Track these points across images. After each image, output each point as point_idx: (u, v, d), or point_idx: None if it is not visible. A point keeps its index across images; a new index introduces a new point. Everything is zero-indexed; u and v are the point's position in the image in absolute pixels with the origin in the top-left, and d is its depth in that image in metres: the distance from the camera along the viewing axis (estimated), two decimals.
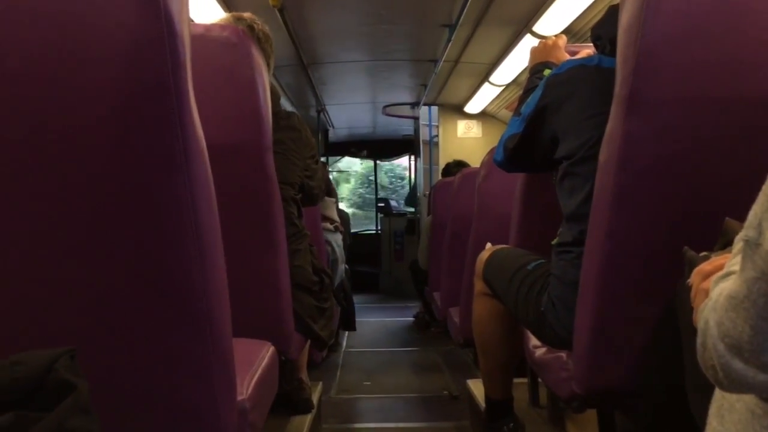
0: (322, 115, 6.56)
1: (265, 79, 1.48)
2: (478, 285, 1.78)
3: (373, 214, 9.32)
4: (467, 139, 6.33)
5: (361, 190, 12.93)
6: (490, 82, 4.96)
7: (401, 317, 5.51)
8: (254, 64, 1.44)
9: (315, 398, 2.22)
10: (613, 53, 1.26)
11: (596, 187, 1.17)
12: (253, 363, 1.17)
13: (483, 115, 6.24)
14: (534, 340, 1.51)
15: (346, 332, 4.40)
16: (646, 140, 1.07)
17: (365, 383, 3.23)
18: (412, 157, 8.45)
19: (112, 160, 0.81)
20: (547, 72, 1.53)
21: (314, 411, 2.15)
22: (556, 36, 1.73)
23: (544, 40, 1.73)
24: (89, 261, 0.84)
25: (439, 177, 5.23)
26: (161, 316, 0.87)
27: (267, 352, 1.26)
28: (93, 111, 0.79)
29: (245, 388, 1.04)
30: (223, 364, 0.92)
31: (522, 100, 1.58)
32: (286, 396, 2.07)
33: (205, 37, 1.42)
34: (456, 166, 4.43)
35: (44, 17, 0.78)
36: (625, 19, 1.08)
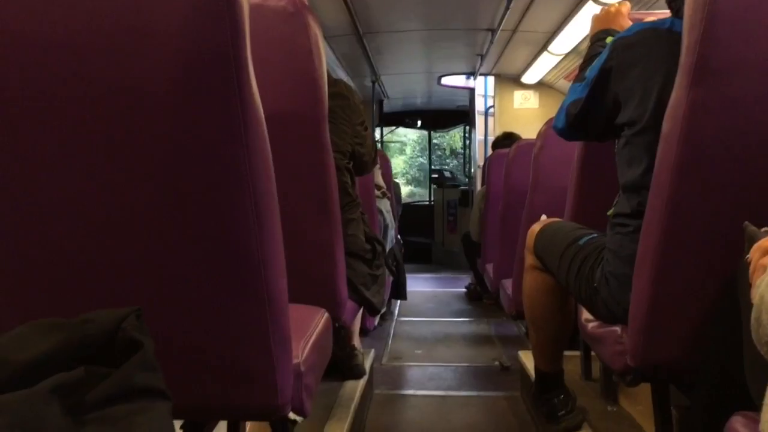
0: (376, 85, 6.54)
1: (321, 49, 1.48)
2: (529, 258, 1.77)
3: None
4: (523, 109, 6.22)
5: (421, 159, 12.70)
6: (549, 52, 4.85)
7: (453, 288, 5.52)
8: (311, 34, 1.45)
9: (367, 365, 2.26)
10: None
11: (658, 158, 1.13)
12: (308, 328, 1.20)
13: (540, 86, 6.12)
14: (587, 314, 1.50)
15: (398, 301, 4.44)
16: (712, 111, 1.04)
17: (416, 352, 3.26)
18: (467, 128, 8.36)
19: (173, 129, 0.84)
20: (609, 39, 1.48)
21: (366, 377, 2.19)
22: (619, 2, 1.67)
23: (606, 7, 1.67)
24: (151, 226, 0.87)
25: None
26: (221, 281, 0.90)
27: (321, 318, 1.29)
28: (155, 81, 0.82)
29: (300, 351, 1.07)
30: (279, 328, 0.94)
31: (582, 68, 1.54)
32: (340, 362, 2.12)
33: (262, 6, 1.43)
34: (505, 139, 4.37)
35: None
36: None
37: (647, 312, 1.14)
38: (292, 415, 1.04)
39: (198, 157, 0.84)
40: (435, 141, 11.26)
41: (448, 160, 11.70)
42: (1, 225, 0.88)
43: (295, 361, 1.03)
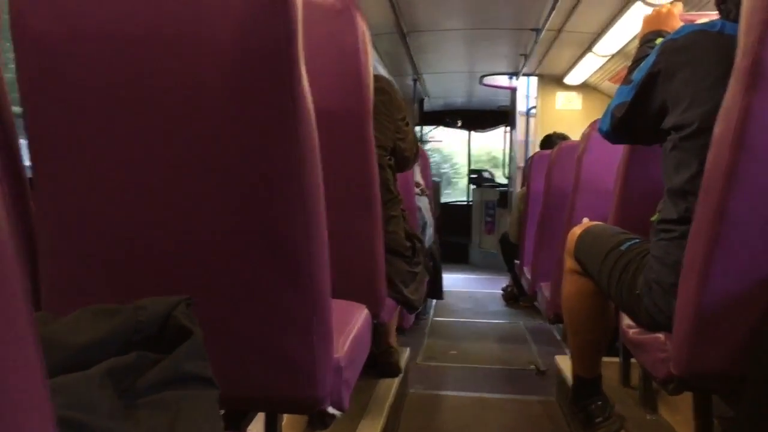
0: (417, 83, 6.54)
1: (368, 47, 1.49)
2: (569, 262, 1.75)
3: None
4: (566, 111, 6.14)
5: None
6: (594, 53, 4.78)
7: (489, 289, 5.49)
8: (358, 31, 1.46)
9: (402, 363, 2.26)
10: (738, 19, 1.18)
11: (708, 163, 1.11)
12: (349, 323, 1.21)
13: (584, 87, 6.03)
14: (628, 320, 1.47)
15: (434, 301, 4.43)
16: (765, 115, 1.01)
17: (451, 352, 3.25)
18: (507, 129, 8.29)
19: (227, 123, 0.85)
20: (659, 41, 1.46)
21: (401, 375, 2.19)
22: (671, 3, 1.64)
23: (657, 8, 1.64)
24: (204, 218, 0.89)
25: (536, 149, 5.11)
26: (268, 273, 0.91)
27: (362, 315, 1.30)
28: (210, 76, 0.84)
29: (341, 346, 1.08)
30: (322, 322, 0.95)
31: (631, 70, 1.51)
32: (376, 359, 2.12)
33: (310, 3, 1.45)
34: (558, 138, 4.31)
35: None
36: None
37: (693, 320, 1.12)
38: (330, 410, 1.04)
39: (250, 150, 0.86)
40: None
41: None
42: (64, 212, 0.92)
43: (335, 355, 1.04)
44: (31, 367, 0.34)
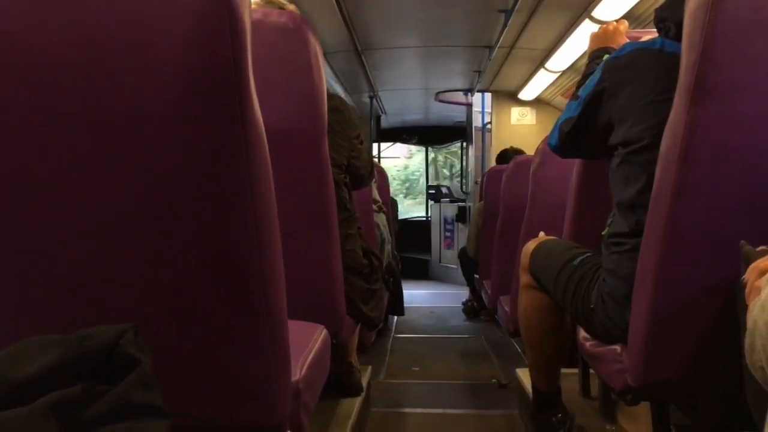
0: (374, 101, 6.57)
1: (321, 65, 1.49)
2: (524, 277, 1.76)
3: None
4: (521, 126, 6.25)
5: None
6: (546, 69, 4.89)
7: (450, 304, 5.51)
8: (311, 50, 1.46)
9: (364, 382, 2.24)
10: (678, 37, 1.22)
11: (657, 177, 1.14)
12: (306, 345, 1.19)
13: (537, 102, 6.16)
14: (585, 332, 1.49)
15: (395, 317, 4.42)
16: (711, 129, 1.04)
17: (414, 369, 3.24)
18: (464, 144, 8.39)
19: (173, 143, 0.83)
20: (606, 57, 1.49)
21: (363, 394, 2.17)
22: (617, 21, 1.69)
23: (604, 25, 1.68)
24: (150, 241, 0.87)
25: (492, 164, 5.18)
26: (219, 297, 0.89)
27: (320, 335, 1.28)
28: (156, 94, 0.82)
29: (299, 369, 1.06)
30: (278, 345, 0.93)
31: (580, 85, 1.54)
32: (336, 379, 2.10)
33: (262, 22, 1.44)
34: (513, 153, 4.38)
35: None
36: (692, 3, 1.05)
37: (647, 331, 1.14)
38: None
39: (199, 171, 0.84)
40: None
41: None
42: (3, 239, 0.88)
43: (293, 378, 1.02)
44: None
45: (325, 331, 1.33)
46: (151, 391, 0.62)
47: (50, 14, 0.81)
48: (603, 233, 1.39)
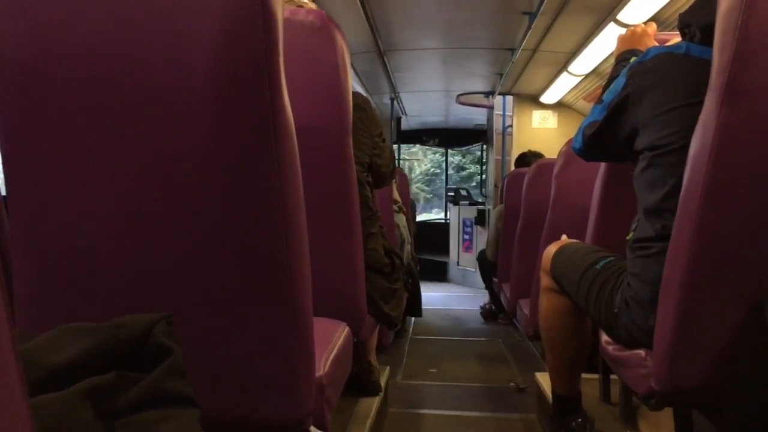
0: (395, 102, 6.57)
1: (347, 64, 1.49)
2: (545, 280, 1.75)
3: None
4: (542, 129, 6.22)
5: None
6: (569, 72, 4.85)
7: (467, 307, 5.49)
8: (337, 48, 1.46)
9: (382, 382, 2.24)
10: (703, 42, 1.21)
11: (686, 180, 1.12)
12: (330, 341, 1.19)
13: (559, 106, 6.12)
14: (607, 336, 1.48)
15: (413, 319, 4.41)
16: (743, 131, 1.03)
17: (431, 370, 3.23)
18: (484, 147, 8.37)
19: (205, 137, 0.84)
20: (633, 60, 1.48)
21: (381, 394, 2.17)
22: (645, 23, 1.67)
23: (632, 28, 1.67)
24: (182, 235, 0.88)
25: (512, 167, 5.16)
26: (249, 291, 0.89)
27: (343, 332, 1.29)
28: (189, 88, 0.82)
29: (323, 365, 1.07)
30: (303, 341, 0.94)
31: (605, 88, 1.53)
32: (356, 377, 2.10)
33: (290, 21, 1.45)
34: (532, 157, 4.36)
35: None
36: (724, 5, 1.04)
37: (673, 335, 1.13)
38: (312, 429, 1.03)
39: (230, 165, 0.85)
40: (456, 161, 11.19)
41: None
42: (39, 227, 0.89)
43: (317, 374, 1.02)
44: (12, 388, 0.32)
45: (347, 329, 1.34)
46: (184, 380, 0.63)
47: (86, 8, 0.82)
48: (627, 238, 1.38)
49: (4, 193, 0.93)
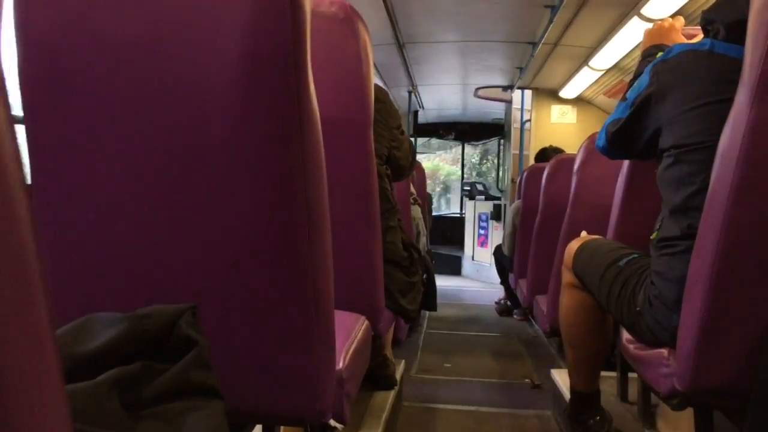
0: (413, 95, 6.55)
1: (370, 55, 1.48)
2: (567, 276, 1.74)
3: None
4: (560, 124, 6.17)
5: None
6: (590, 67, 4.80)
7: (482, 302, 5.48)
8: (360, 40, 1.45)
9: (398, 376, 2.24)
10: (727, 39, 1.19)
11: (714, 178, 1.11)
12: (350, 335, 1.19)
13: (579, 101, 6.06)
14: (628, 334, 1.46)
15: (427, 313, 4.41)
16: None
17: (446, 365, 3.23)
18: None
19: (232, 130, 0.84)
20: (659, 56, 1.46)
21: (397, 388, 2.17)
22: (672, 17, 1.64)
23: (659, 22, 1.64)
24: (206, 227, 0.87)
25: (530, 162, 5.12)
26: (271, 282, 0.89)
27: (362, 326, 1.28)
28: (216, 79, 0.82)
29: (343, 358, 1.06)
30: (325, 334, 0.94)
31: (631, 84, 1.51)
32: (371, 371, 2.10)
33: (313, 12, 1.43)
34: (553, 152, 4.32)
35: None
36: (758, 1, 1.02)
37: (698, 335, 1.11)
38: (332, 422, 1.03)
39: (255, 158, 0.84)
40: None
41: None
42: (64, 218, 0.90)
43: (337, 367, 1.02)
44: (52, 376, 0.32)
45: (366, 322, 1.33)
46: (208, 372, 0.62)
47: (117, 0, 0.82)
48: (651, 237, 1.36)
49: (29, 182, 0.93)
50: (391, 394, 2.08)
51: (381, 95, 1.87)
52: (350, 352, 1.12)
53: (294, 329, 0.91)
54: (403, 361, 2.56)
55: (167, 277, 0.90)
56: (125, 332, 0.59)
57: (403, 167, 2.01)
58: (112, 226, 0.89)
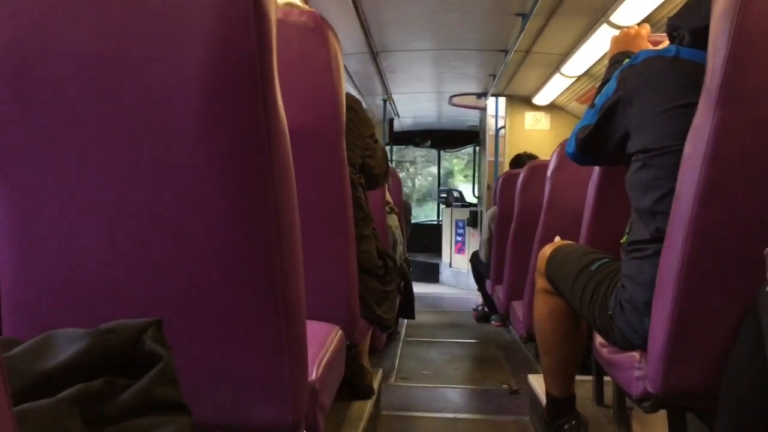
0: (388, 104, 6.57)
1: (340, 65, 1.48)
2: (540, 282, 1.75)
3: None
4: (534, 131, 6.23)
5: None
6: (562, 73, 4.86)
7: (460, 309, 5.49)
8: (330, 49, 1.45)
9: (375, 385, 2.23)
10: (692, 45, 1.21)
11: (679, 182, 1.12)
12: (323, 345, 1.18)
13: (552, 107, 6.13)
14: (601, 338, 1.48)
15: (405, 321, 4.40)
16: (736, 133, 1.03)
17: (424, 372, 3.23)
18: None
19: (198, 140, 0.83)
20: (626, 62, 1.48)
21: (374, 397, 2.16)
22: (639, 25, 1.67)
23: (626, 29, 1.67)
24: (173, 237, 0.86)
25: (505, 168, 5.16)
26: (240, 293, 0.88)
27: (336, 335, 1.28)
28: (181, 89, 0.81)
29: (315, 369, 1.06)
30: (296, 344, 0.93)
31: (599, 90, 1.53)
32: (348, 381, 2.09)
33: (283, 21, 1.43)
34: (527, 158, 4.36)
35: None
36: (718, 8, 1.04)
37: (668, 337, 1.12)
38: None
39: (222, 167, 0.84)
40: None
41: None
42: (26, 231, 0.88)
43: (310, 378, 1.01)
44: None
45: (340, 332, 1.33)
46: (174, 387, 0.62)
47: (78, 9, 0.81)
48: (621, 241, 1.38)
49: None
50: (369, 404, 2.07)
51: (353, 104, 1.87)
52: (323, 362, 1.11)
53: (264, 340, 0.91)
54: (381, 369, 2.56)
55: (134, 290, 0.89)
56: (88, 348, 0.58)
57: (377, 176, 2.01)
58: (75, 240, 0.87)
